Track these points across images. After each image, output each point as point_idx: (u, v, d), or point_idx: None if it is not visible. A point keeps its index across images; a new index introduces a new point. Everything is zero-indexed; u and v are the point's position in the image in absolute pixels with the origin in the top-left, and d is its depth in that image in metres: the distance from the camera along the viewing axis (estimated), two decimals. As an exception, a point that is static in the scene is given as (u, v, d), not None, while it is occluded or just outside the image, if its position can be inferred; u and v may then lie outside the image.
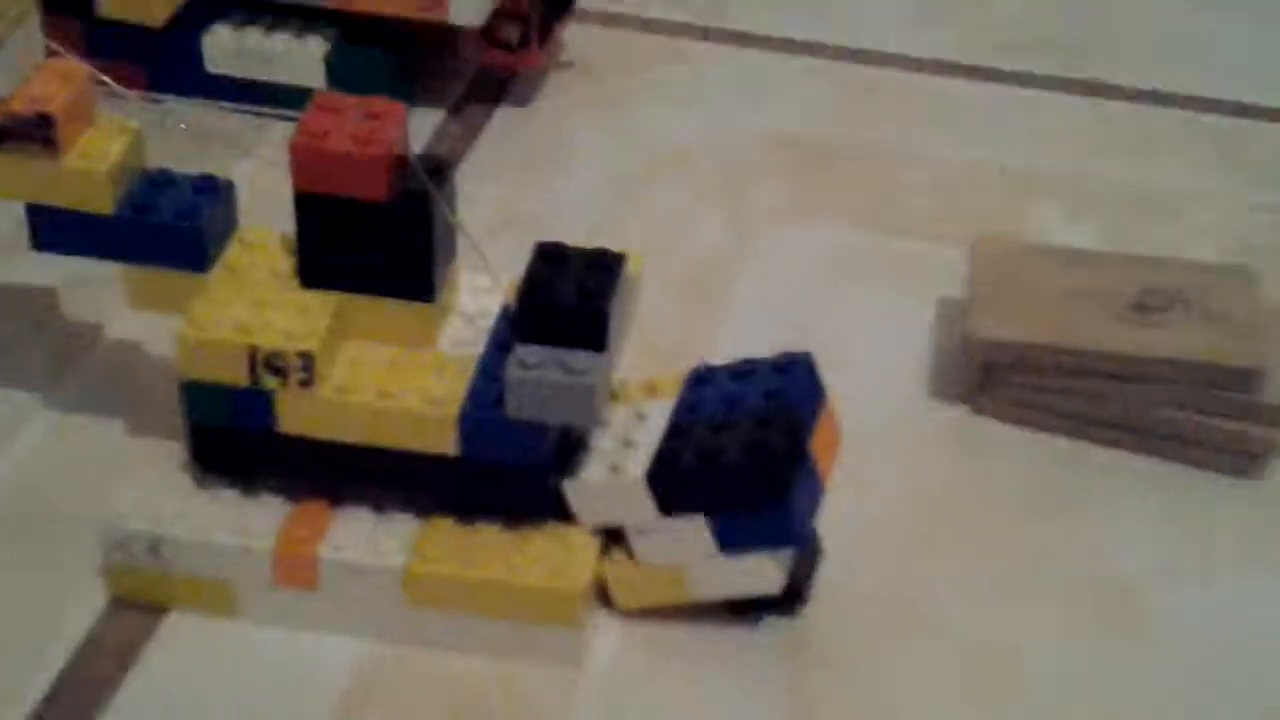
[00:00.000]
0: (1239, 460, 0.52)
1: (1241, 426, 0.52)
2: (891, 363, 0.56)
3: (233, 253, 0.47)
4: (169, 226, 0.46)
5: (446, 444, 0.45)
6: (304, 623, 0.47)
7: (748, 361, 0.47)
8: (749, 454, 0.44)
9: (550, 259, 0.44)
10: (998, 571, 0.49)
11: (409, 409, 0.45)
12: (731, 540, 0.45)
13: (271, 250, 0.47)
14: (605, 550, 0.47)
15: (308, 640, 0.47)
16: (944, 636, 0.47)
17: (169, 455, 0.48)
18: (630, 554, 0.46)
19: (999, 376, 0.54)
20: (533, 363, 0.43)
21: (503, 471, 0.45)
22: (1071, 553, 0.50)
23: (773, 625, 0.47)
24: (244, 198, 0.48)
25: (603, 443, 0.47)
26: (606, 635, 0.47)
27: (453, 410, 0.44)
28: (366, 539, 0.46)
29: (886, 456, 0.52)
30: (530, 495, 0.46)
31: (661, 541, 0.46)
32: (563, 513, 0.47)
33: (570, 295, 0.43)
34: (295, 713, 0.45)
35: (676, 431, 0.46)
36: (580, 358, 0.43)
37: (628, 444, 0.46)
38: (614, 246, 0.46)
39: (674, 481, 0.45)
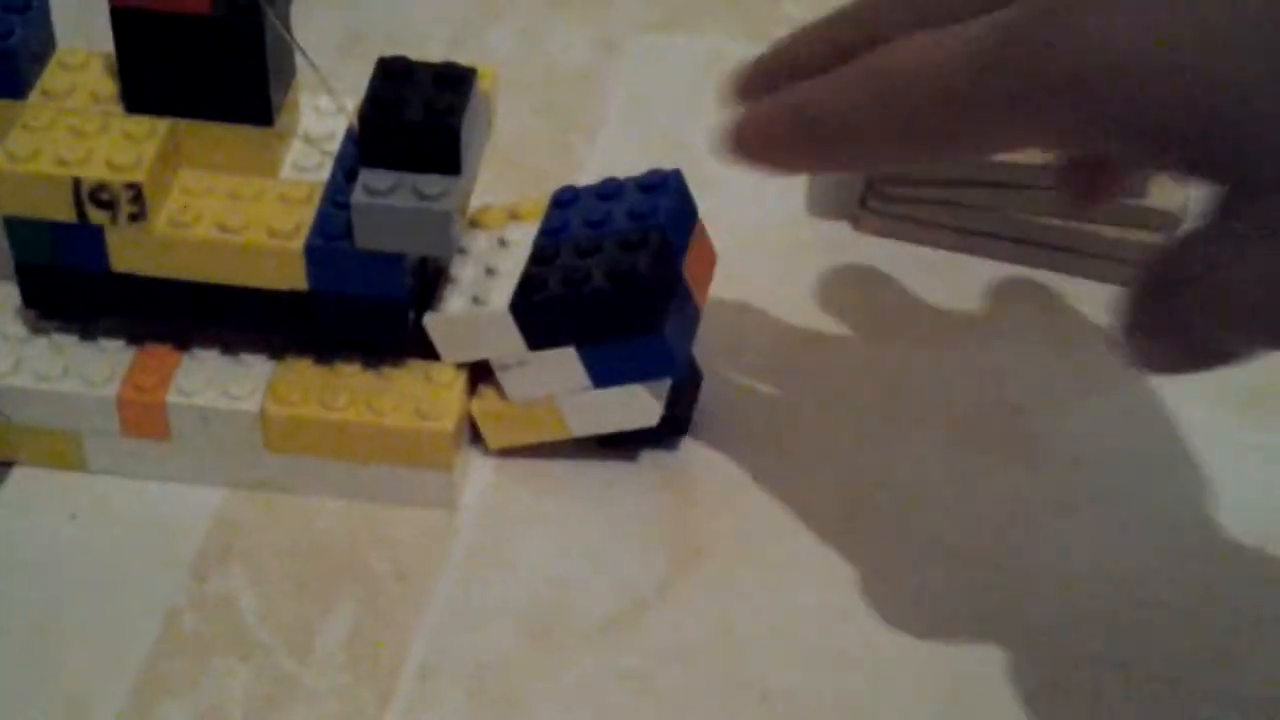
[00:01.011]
0: (1124, 269, 0.51)
1: (1127, 233, 0.50)
2: (768, 179, 0.53)
3: (51, 76, 0.43)
4: (-22, 50, 0.42)
5: (294, 278, 0.42)
6: (158, 473, 0.44)
7: (613, 181, 0.44)
8: (617, 279, 0.42)
9: (395, 75, 0.41)
10: (882, 396, 0.48)
11: (251, 242, 0.42)
12: (604, 372, 0.43)
13: (93, 73, 0.43)
14: (473, 388, 0.45)
15: (163, 491, 0.44)
16: (828, 465, 0.46)
17: (1, 302, 0.45)
18: (499, 390, 0.44)
19: (879, 189, 0.52)
20: (381, 188, 0.40)
21: (357, 305, 0.43)
22: (957, 374, 0.48)
23: (651, 458, 0.46)
24: (62, 18, 0.45)
25: (463, 272, 0.44)
26: (478, 475, 0.45)
27: (299, 242, 0.42)
28: (217, 383, 0.43)
29: (764, 277, 0.50)
30: (389, 330, 0.43)
31: (530, 376, 0.44)
32: (425, 349, 0.44)
33: (418, 113, 0.40)
34: (152, 566, 0.43)
35: (540, 257, 0.43)
36: (433, 181, 0.41)
37: (490, 272, 0.44)
38: (473, 60, 0.43)
39: (539, 311, 0.43)
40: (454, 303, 0.44)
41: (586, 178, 0.52)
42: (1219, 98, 0.31)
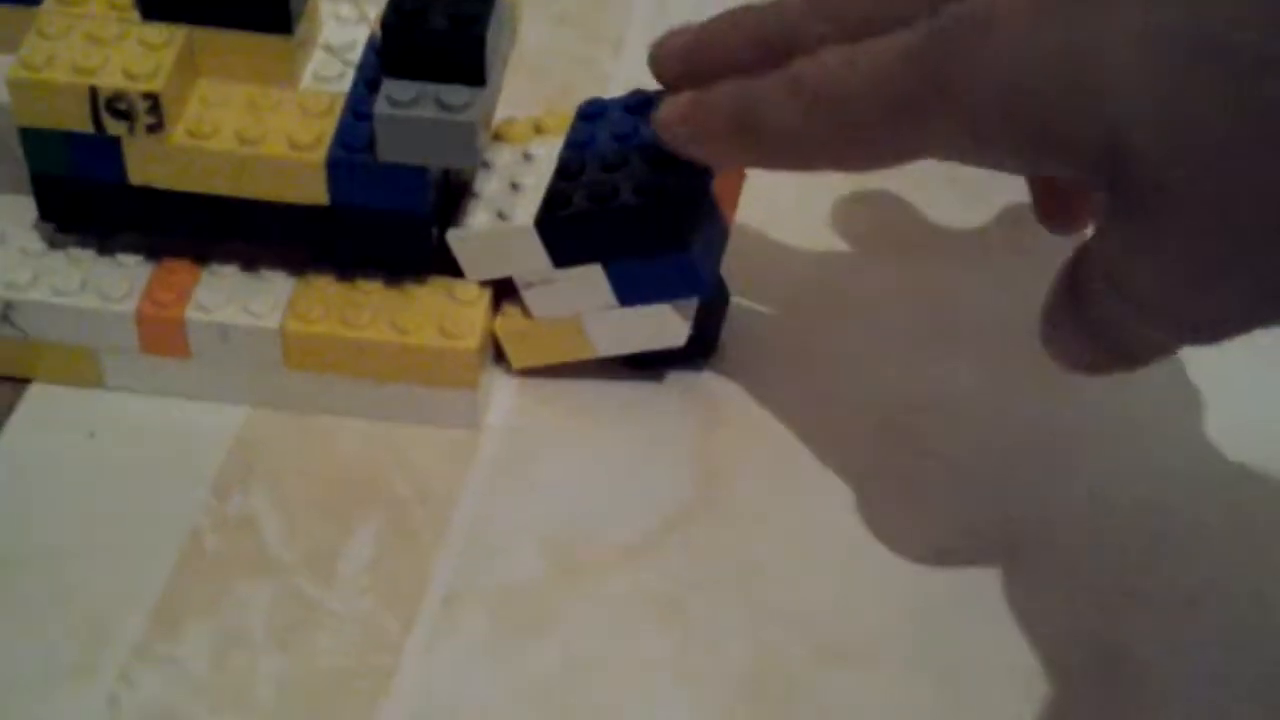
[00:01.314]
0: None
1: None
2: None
3: (65, -17, 0.42)
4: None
5: (315, 192, 0.41)
6: (177, 390, 0.44)
7: (640, 93, 0.43)
8: (645, 195, 0.41)
9: (417, -18, 0.40)
10: (909, 319, 0.47)
11: (271, 154, 0.41)
12: (630, 290, 0.42)
13: (108, -21, 0.42)
14: (497, 305, 0.44)
15: (183, 409, 0.44)
16: (854, 388, 0.45)
17: (17, 216, 0.44)
18: (524, 309, 0.44)
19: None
20: (404, 99, 0.40)
21: (379, 220, 0.42)
22: (986, 297, 0.47)
23: (676, 380, 0.45)
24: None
25: (487, 186, 0.43)
26: (501, 396, 0.45)
27: (320, 154, 0.41)
28: (237, 299, 0.43)
29: (792, 198, 0.49)
30: (411, 245, 0.42)
31: (555, 294, 0.43)
32: (449, 265, 0.43)
33: (442, 21, 0.39)
34: (172, 485, 0.42)
35: (565, 172, 0.42)
36: (457, 92, 0.40)
37: (515, 187, 0.43)
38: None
39: (565, 227, 0.42)
40: (478, 218, 0.43)
41: (613, 91, 0.52)
42: (1088, 109, 0.34)
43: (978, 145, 0.36)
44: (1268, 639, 0.41)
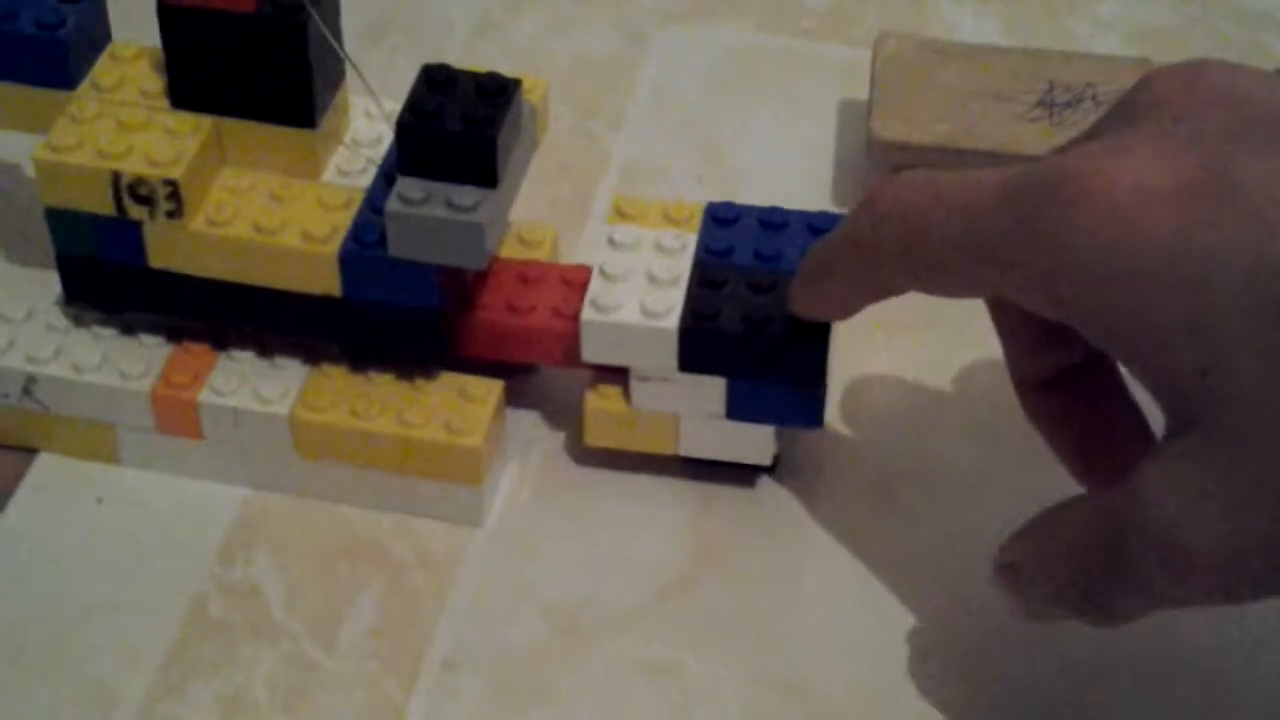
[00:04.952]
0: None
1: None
2: (795, 170, 0.53)
3: (102, 69, 0.43)
4: (30, 38, 0.42)
5: (328, 284, 0.42)
6: (189, 470, 0.45)
7: (778, 211, 0.44)
8: (796, 328, 0.41)
9: (437, 83, 0.41)
10: (901, 390, 0.48)
11: (287, 245, 0.42)
12: (744, 408, 0.43)
13: (143, 67, 0.43)
14: (593, 383, 0.44)
15: (192, 485, 0.45)
16: (849, 458, 0.46)
17: (45, 292, 0.45)
18: (622, 392, 0.43)
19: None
20: (415, 197, 0.40)
21: (391, 313, 0.42)
22: (977, 367, 0.48)
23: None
24: (125, 8, 0.45)
25: (622, 272, 0.42)
26: (506, 477, 0.45)
27: (333, 248, 0.42)
28: (250, 384, 0.43)
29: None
30: (422, 338, 0.43)
31: (667, 392, 0.43)
32: (458, 360, 0.44)
33: (456, 122, 0.40)
34: (178, 552, 0.43)
35: (707, 279, 0.42)
36: (468, 193, 0.40)
37: (651, 280, 0.42)
38: (499, 48, 0.42)
39: (710, 340, 0.42)
40: (625, 310, 0.42)
41: (614, 168, 0.53)
42: (1188, 322, 0.31)
43: (1053, 304, 0.34)
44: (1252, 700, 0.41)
